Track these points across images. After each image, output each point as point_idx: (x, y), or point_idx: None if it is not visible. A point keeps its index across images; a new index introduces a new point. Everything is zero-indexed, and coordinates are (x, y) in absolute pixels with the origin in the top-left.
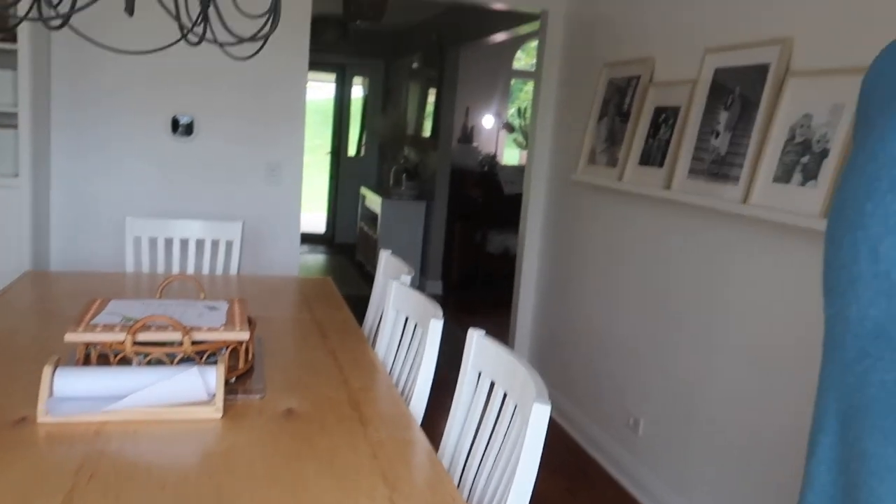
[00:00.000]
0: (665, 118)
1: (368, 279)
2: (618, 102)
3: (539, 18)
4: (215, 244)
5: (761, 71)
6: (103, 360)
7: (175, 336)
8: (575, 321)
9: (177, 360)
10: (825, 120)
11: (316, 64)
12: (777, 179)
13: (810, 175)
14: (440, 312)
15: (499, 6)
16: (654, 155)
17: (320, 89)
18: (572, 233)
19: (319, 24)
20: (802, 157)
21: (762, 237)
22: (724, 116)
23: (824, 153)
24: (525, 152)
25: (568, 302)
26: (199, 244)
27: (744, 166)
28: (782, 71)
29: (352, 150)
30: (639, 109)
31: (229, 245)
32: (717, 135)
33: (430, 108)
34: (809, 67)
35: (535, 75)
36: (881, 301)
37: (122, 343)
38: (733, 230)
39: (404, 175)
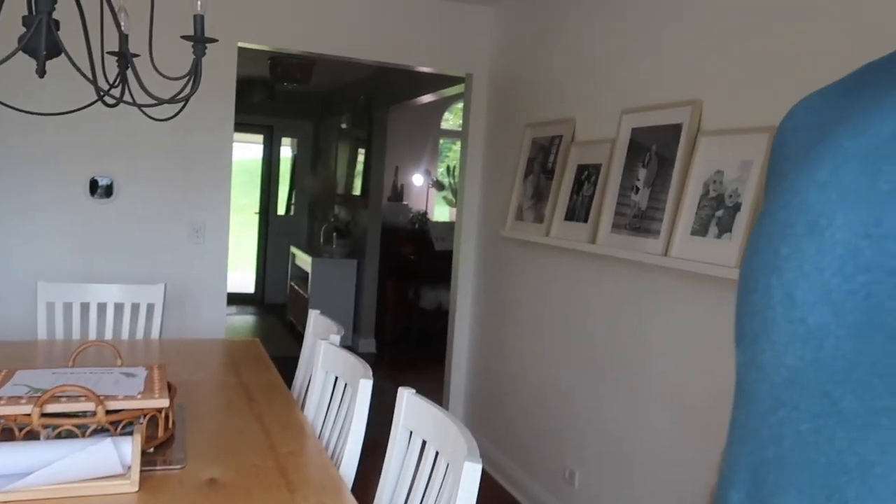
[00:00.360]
0: (588, 175)
1: (299, 339)
2: (542, 161)
3: (464, 81)
4: (135, 308)
5: (675, 130)
6: (8, 436)
7: (88, 406)
8: (509, 375)
9: (89, 431)
10: (736, 175)
11: (243, 125)
12: (695, 233)
13: (725, 228)
14: (370, 372)
15: (425, 70)
16: (578, 211)
17: (248, 149)
18: (503, 287)
19: (246, 86)
20: (717, 212)
21: (683, 288)
22: (642, 173)
23: (737, 207)
24: (455, 209)
25: (501, 356)
26: (119, 308)
27: (663, 220)
28: (694, 130)
29: (281, 209)
30: (562, 167)
31: (150, 308)
32: (637, 191)
33: (359, 166)
34: (719, 127)
35: (461, 135)
36: (797, 347)
37: (29, 416)
38: (656, 282)
39: (335, 233)
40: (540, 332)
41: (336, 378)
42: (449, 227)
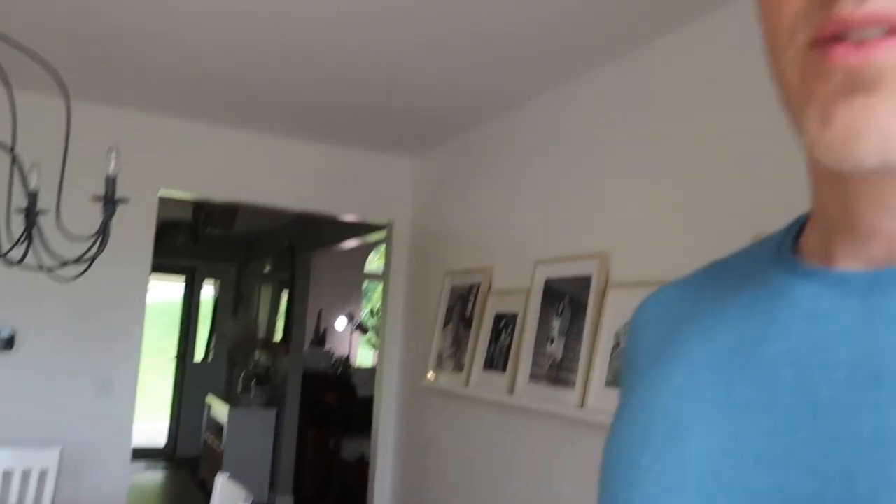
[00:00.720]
0: (505, 324)
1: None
2: (461, 309)
3: (386, 228)
4: (26, 475)
5: (585, 282)
6: None
7: None
8: None
9: None
10: None
11: (164, 267)
12: (608, 384)
13: None
14: None
15: (347, 218)
16: (497, 360)
17: (168, 289)
18: (424, 439)
19: (170, 229)
20: None
21: (599, 441)
22: (557, 323)
23: None
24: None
25: (427, 490)
26: (7, 476)
27: (578, 371)
28: (603, 282)
29: (199, 355)
30: (480, 316)
31: (43, 475)
32: (553, 341)
33: (282, 311)
34: (626, 279)
35: (383, 282)
36: None
37: None
38: (573, 434)
39: (254, 381)
40: (462, 484)
41: None
42: (372, 373)
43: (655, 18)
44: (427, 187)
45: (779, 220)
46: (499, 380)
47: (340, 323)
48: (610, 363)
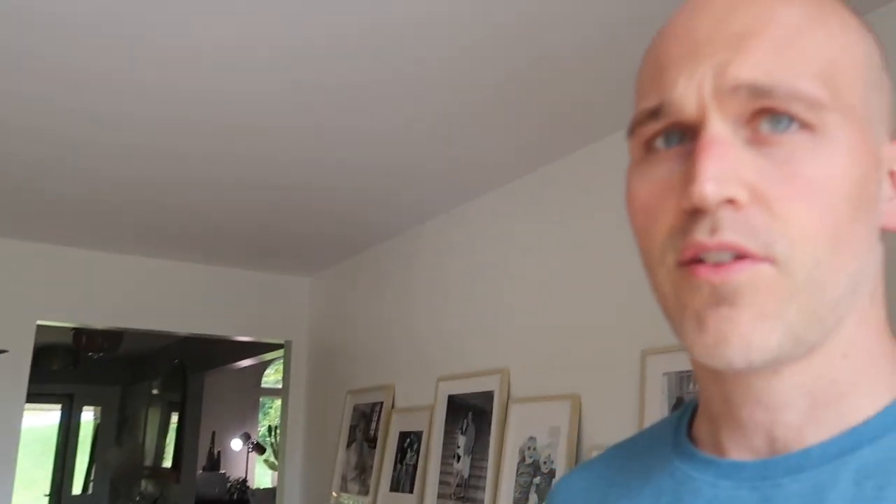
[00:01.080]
0: (410, 443)
1: None
2: (364, 428)
3: (284, 347)
4: None
5: (488, 397)
6: None
7: None
8: None
9: None
10: (547, 442)
11: (38, 395)
12: (517, 501)
13: (543, 495)
14: None
15: (241, 339)
16: (403, 481)
17: (43, 415)
18: None
19: (46, 354)
20: (535, 478)
21: None
22: (462, 440)
23: (552, 473)
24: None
25: None
26: None
27: (486, 489)
28: (505, 397)
29: (77, 487)
30: (384, 435)
31: None
32: (459, 458)
33: (172, 434)
34: (527, 394)
35: (282, 401)
36: None
37: None
38: None
39: None
40: None
41: None
42: (272, 494)
43: (546, 145)
44: (325, 305)
45: (665, 338)
46: (406, 502)
47: (236, 444)
48: (516, 479)
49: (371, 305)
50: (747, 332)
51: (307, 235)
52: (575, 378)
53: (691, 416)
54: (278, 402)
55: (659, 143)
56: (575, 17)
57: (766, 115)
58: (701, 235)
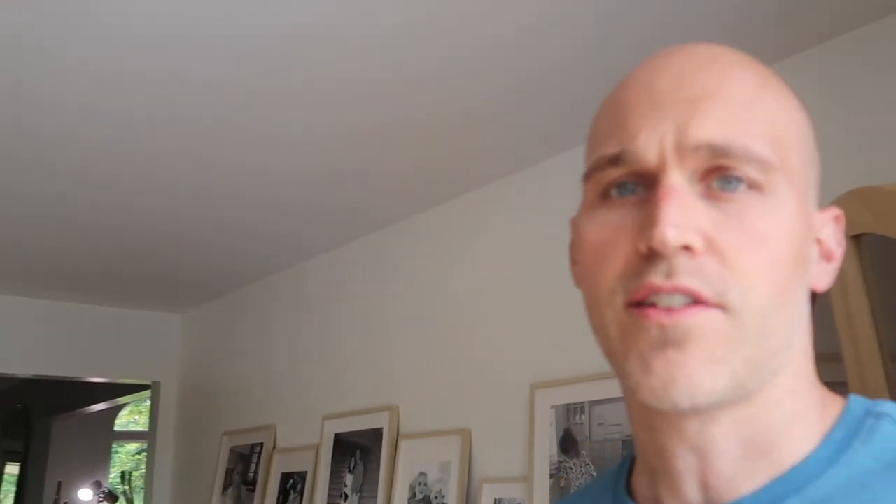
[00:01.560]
0: (293, 484)
1: None
2: (242, 471)
3: (150, 388)
4: None
5: (377, 435)
6: None
7: None
8: None
9: None
10: (437, 477)
11: None
12: None
13: None
14: None
15: (102, 380)
16: None
17: None
18: None
19: None
20: None
21: None
22: (349, 479)
23: None
24: None
25: None
26: None
27: None
28: (394, 434)
29: None
30: (265, 477)
31: None
32: (346, 497)
33: (9, 488)
34: (417, 430)
35: (148, 446)
36: None
37: None
38: None
39: None
40: None
41: None
42: None
43: (437, 185)
44: (199, 343)
45: (554, 371)
46: None
47: (85, 494)
48: None
49: (251, 343)
50: (695, 374)
51: (178, 270)
52: (465, 412)
53: (630, 469)
54: (129, 447)
55: (613, 192)
56: (520, 44)
57: (719, 173)
58: (656, 278)
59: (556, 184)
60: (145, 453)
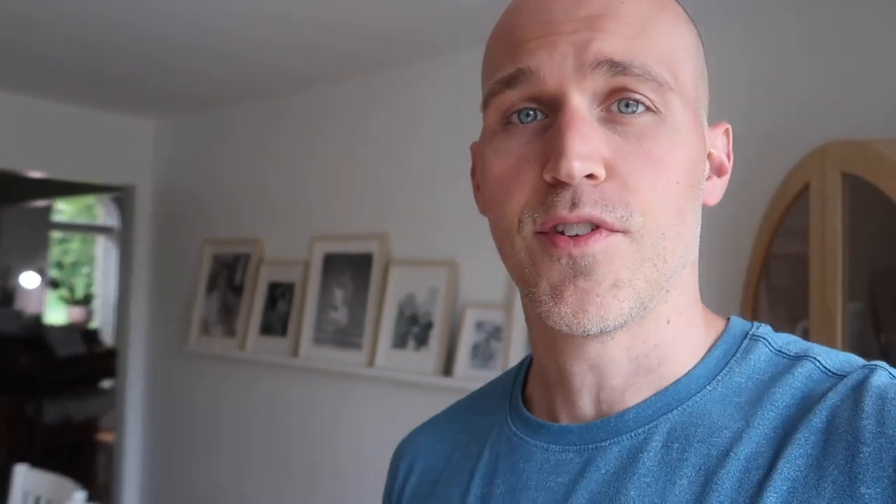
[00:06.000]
0: (282, 293)
1: None
2: (228, 277)
3: (121, 191)
4: None
5: (367, 259)
6: None
7: None
8: (206, 492)
9: None
10: (425, 299)
11: None
12: (395, 346)
13: (422, 342)
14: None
15: (71, 178)
16: (275, 325)
17: None
18: (189, 403)
19: None
20: (413, 328)
21: (389, 394)
22: (339, 294)
23: (430, 325)
24: (75, 309)
25: (191, 473)
26: None
27: (364, 335)
28: (384, 260)
29: None
30: (252, 285)
31: None
32: (336, 308)
33: None
34: (407, 257)
35: (121, 249)
36: None
37: None
38: (362, 390)
39: None
40: (242, 446)
41: None
42: (69, 331)
43: (431, 33)
44: (178, 152)
45: None
46: (279, 343)
47: (29, 279)
48: (395, 329)
49: (238, 158)
50: (604, 300)
51: (160, 75)
52: (453, 244)
53: (526, 377)
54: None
55: (514, 118)
56: None
57: (619, 95)
58: (562, 210)
59: None
60: (86, 244)
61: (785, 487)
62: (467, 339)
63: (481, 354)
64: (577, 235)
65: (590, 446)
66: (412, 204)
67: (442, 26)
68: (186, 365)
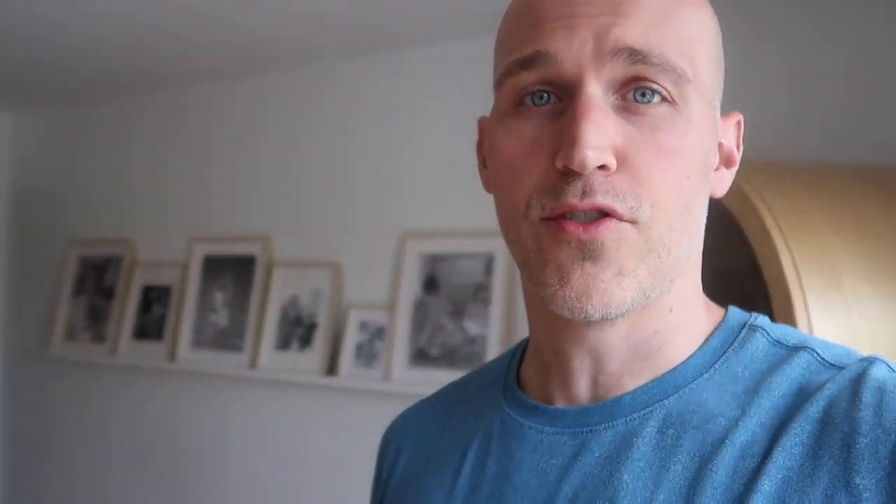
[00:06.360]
0: (157, 296)
1: None
2: (96, 279)
3: None
4: None
5: (250, 261)
6: None
7: None
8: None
9: None
10: (309, 301)
11: None
12: (279, 347)
13: (305, 343)
14: None
15: None
16: (150, 329)
17: None
18: (53, 410)
19: None
20: (297, 329)
21: (272, 395)
22: (220, 297)
23: (314, 326)
24: None
25: (51, 487)
26: None
27: (246, 337)
28: (267, 262)
29: None
30: (125, 288)
31: None
32: (217, 311)
33: None
34: (290, 258)
35: None
36: None
37: None
38: (244, 393)
39: None
40: (110, 456)
41: None
42: None
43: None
44: (42, 151)
45: (423, 223)
46: (155, 348)
47: None
48: (279, 330)
49: (109, 157)
50: (609, 287)
51: (22, 69)
52: (336, 248)
53: (521, 360)
54: None
55: (528, 100)
56: None
57: (636, 84)
58: (573, 198)
59: (442, 58)
60: None
61: (780, 475)
62: (351, 339)
63: (365, 354)
64: (584, 222)
65: (584, 429)
66: (296, 205)
67: (327, 34)
68: (49, 371)
